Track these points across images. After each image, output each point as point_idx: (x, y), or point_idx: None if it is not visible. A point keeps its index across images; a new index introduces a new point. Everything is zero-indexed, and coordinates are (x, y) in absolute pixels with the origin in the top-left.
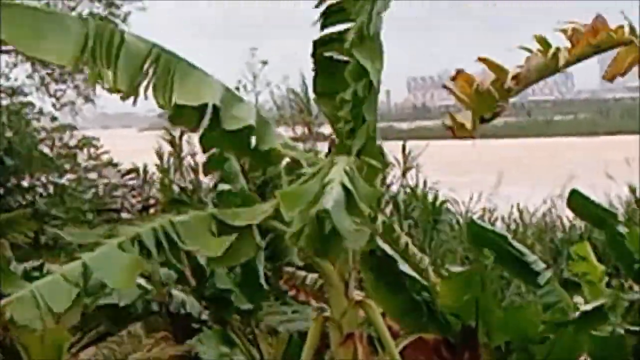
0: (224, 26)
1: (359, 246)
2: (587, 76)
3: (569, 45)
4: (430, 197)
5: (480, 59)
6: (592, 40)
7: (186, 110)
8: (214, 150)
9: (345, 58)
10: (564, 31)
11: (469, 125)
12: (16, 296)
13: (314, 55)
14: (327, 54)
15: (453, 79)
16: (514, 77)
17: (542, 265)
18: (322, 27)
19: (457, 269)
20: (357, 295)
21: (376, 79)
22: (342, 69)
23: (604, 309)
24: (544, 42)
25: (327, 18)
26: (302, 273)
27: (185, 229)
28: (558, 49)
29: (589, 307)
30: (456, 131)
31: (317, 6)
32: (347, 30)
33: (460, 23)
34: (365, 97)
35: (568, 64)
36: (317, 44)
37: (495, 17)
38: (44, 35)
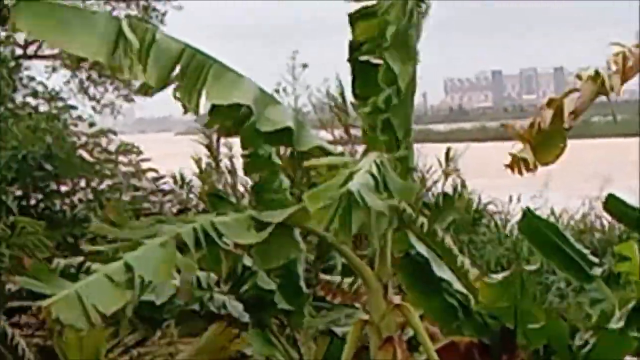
0: (263, 29)
1: (383, 228)
2: None
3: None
4: (471, 199)
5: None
6: (637, 68)
7: (220, 111)
8: (254, 150)
9: (379, 61)
10: (615, 60)
11: (532, 163)
12: (61, 296)
13: (350, 59)
14: (362, 58)
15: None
16: (572, 113)
17: (594, 259)
18: (354, 31)
19: (497, 276)
20: (396, 298)
21: (407, 83)
22: (376, 72)
23: None
24: (595, 73)
25: (359, 21)
26: (338, 278)
27: (225, 228)
28: (610, 78)
29: (632, 307)
30: (517, 167)
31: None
32: (380, 33)
33: (494, 24)
34: (395, 101)
35: (619, 89)
36: (352, 47)
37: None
38: (72, 31)
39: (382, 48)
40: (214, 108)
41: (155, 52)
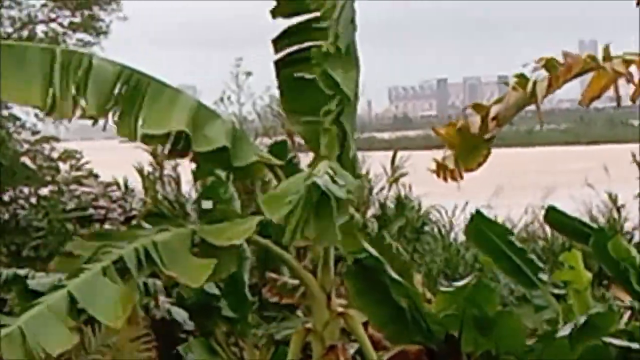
0: (209, 36)
1: (346, 216)
2: (568, 86)
3: (546, 74)
4: (414, 207)
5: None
6: (568, 75)
7: (157, 137)
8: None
9: (311, 76)
10: (544, 65)
11: (455, 172)
12: (4, 334)
13: (278, 75)
14: (292, 73)
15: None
16: (494, 118)
17: (540, 265)
18: (281, 47)
19: (448, 283)
20: (339, 306)
21: (350, 91)
22: (310, 86)
23: (597, 319)
24: (521, 77)
25: (289, 36)
26: (285, 279)
27: (167, 251)
28: (535, 83)
29: (583, 318)
30: (442, 174)
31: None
32: (312, 46)
33: (441, 32)
34: (339, 110)
35: (545, 96)
36: (280, 64)
37: (478, 26)
38: (5, 75)
39: (321, 59)
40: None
41: (93, 80)
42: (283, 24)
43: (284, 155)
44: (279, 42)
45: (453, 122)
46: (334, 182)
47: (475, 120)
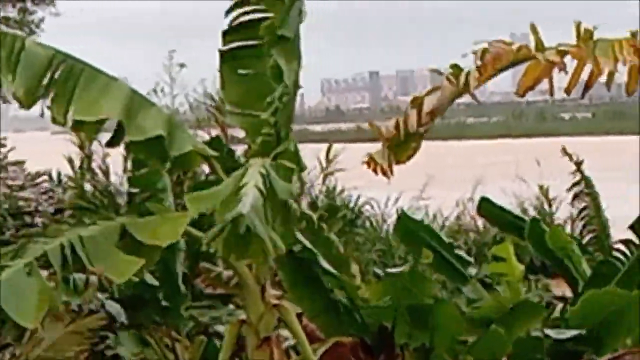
0: (146, 28)
1: (279, 250)
2: (500, 79)
3: (479, 63)
4: (347, 200)
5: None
6: (498, 64)
7: (89, 123)
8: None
9: (254, 69)
10: (474, 53)
11: (385, 165)
12: None
13: (221, 66)
14: (235, 64)
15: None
16: (429, 113)
17: (469, 259)
18: (229, 37)
19: (380, 273)
20: (274, 297)
21: (292, 83)
22: (253, 78)
23: (528, 308)
24: (455, 68)
25: (237, 28)
26: (219, 269)
27: (93, 245)
28: (469, 73)
29: (513, 306)
30: (374, 167)
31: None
32: (258, 37)
33: (378, 24)
34: (283, 101)
35: (478, 86)
36: (224, 55)
37: (411, 19)
38: None
39: (266, 48)
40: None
41: (24, 62)
42: (219, 16)
43: (221, 148)
44: (227, 34)
45: (390, 119)
46: (268, 189)
47: (412, 114)
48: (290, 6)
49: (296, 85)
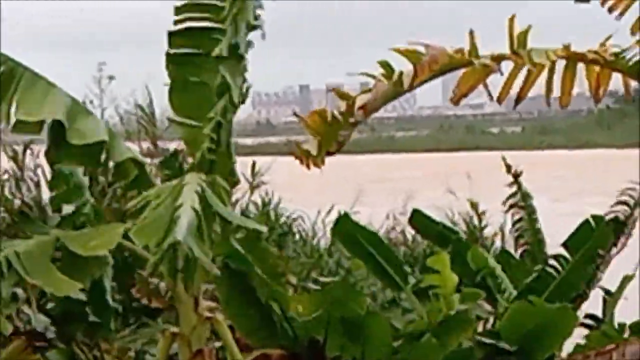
0: (76, 38)
1: (217, 270)
2: (429, 93)
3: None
4: (276, 214)
5: (333, 90)
6: (434, 66)
7: (28, 123)
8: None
9: (197, 79)
10: (407, 55)
11: (315, 154)
12: None
13: (169, 74)
14: (183, 73)
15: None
16: (361, 107)
17: (408, 269)
18: (177, 45)
19: (311, 286)
20: (207, 310)
21: (236, 96)
22: (200, 88)
23: (459, 320)
24: (387, 67)
25: (185, 35)
26: (155, 280)
27: (30, 260)
28: (402, 73)
29: (443, 317)
30: (304, 160)
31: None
32: (206, 47)
33: (305, 39)
34: (226, 114)
35: (413, 87)
36: (171, 63)
37: (342, 32)
38: None
39: (213, 59)
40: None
41: None
42: (150, 26)
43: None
44: (174, 40)
45: (318, 110)
46: (204, 208)
47: (343, 106)
48: (239, 18)
49: (240, 101)
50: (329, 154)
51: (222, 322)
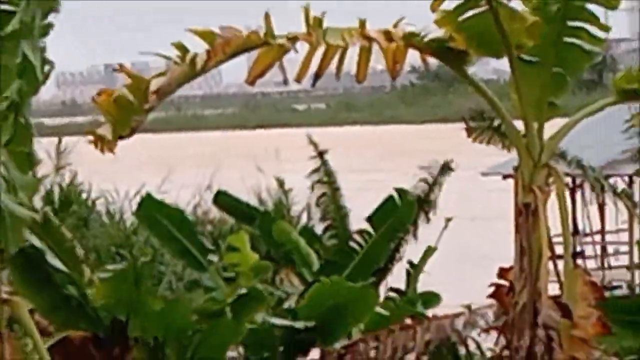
0: None
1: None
2: (235, 70)
3: (207, 47)
4: (84, 194)
5: (119, 69)
6: (227, 48)
7: None
8: None
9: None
10: (202, 36)
11: (110, 138)
12: None
13: None
14: None
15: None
16: (155, 92)
17: (210, 247)
18: None
19: (111, 267)
20: (5, 293)
21: (39, 75)
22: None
23: (253, 297)
24: (182, 49)
25: None
26: None
27: None
28: (196, 55)
29: (237, 295)
30: (99, 145)
31: None
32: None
33: (112, 17)
34: (28, 93)
35: (207, 69)
36: None
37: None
38: None
39: (14, 41)
40: None
41: None
42: None
43: None
44: None
45: (109, 91)
46: (7, 185)
47: (135, 91)
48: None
49: (41, 80)
50: (121, 137)
51: (21, 304)
